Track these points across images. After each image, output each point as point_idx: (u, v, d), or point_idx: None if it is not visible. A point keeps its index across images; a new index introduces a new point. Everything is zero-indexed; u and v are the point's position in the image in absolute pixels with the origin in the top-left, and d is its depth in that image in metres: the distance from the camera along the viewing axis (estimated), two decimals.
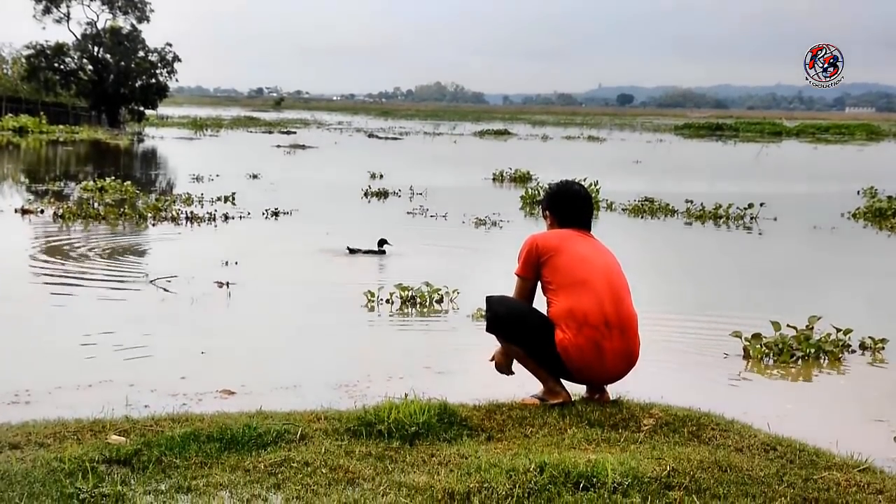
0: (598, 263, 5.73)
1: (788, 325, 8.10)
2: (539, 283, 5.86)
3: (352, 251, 12.83)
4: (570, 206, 6.00)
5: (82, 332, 8.10)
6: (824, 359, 7.95)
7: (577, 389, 5.87)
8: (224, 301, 9.75)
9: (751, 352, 7.87)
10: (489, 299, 5.96)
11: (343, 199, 20.86)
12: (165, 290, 10.07)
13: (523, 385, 6.18)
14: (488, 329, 5.92)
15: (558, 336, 5.63)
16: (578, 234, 5.88)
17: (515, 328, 5.77)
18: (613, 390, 5.92)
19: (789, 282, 12.05)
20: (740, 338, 7.94)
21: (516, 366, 5.97)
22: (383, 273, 11.46)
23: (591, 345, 5.58)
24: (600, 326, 5.59)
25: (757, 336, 7.93)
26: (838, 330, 8.15)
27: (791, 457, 4.82)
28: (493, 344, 6.48)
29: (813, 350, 7.95)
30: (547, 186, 6.41)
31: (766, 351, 7.88)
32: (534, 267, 5.81)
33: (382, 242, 12.91)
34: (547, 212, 6.10)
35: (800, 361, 7.87)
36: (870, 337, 8.27)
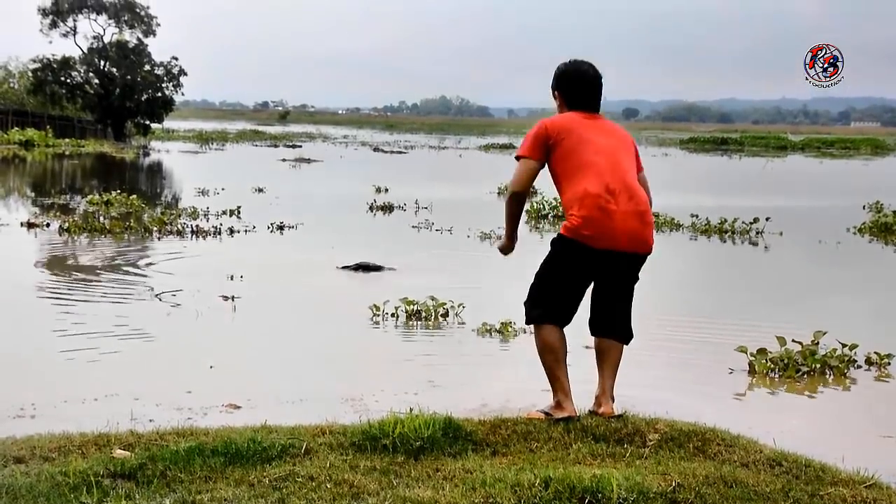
0: (602, 145, 5.73)
1: (794, 340, 8.08)
2: (552, 177, 5.86)
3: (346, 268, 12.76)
4: (579, 86, 5.96)
5: (87, 346, 8.11)
6: (830, 374, 7.93)
7: (582, 404, 5.86)
8: (229, 315, 9.76)
9: (756, 367, 7.85)
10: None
11: (348, 213, 20.88)
12: (169, 302, 10.09)
13: (528, 400, 6.18)
14: (528, 321, 5.89)
15: (565, 226, 5.71)
16: (586, 119, 5.86)
17: (538, 293, 5.80)
18: (619, 404, 5.90)
19: (794, 296, 12.03)
20: (745, 353, 7.93)
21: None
22: (388, 287, 11.45)
23: (596, 210, 5.60)
24: (602, 193, 5.61)
25: (762, 351, 7.92)
26: (844, 345, 8.13)
27: (797, 472, 4.82)
28: (497, 360, 6.52)
29: (818, 365, 7.93)
30: (558, 66, 6.27)
31: (772, 366, 7.87)
32: (542, 148, 5.77)
33: (362, 266, 12.82)
34: (556, 92, 6.06)
35: (805, 376, 7.85)
36: (875, 352, 8.25)
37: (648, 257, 5.96)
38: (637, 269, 5.94)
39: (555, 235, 5.88)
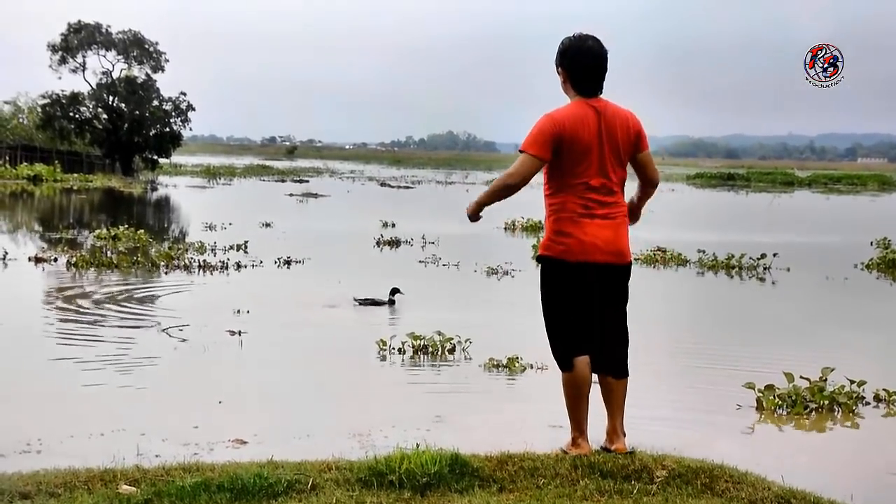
0: (597, 158, 5.63)
1: (801, 377, 8.06)
2: (545, 171, 5.78)
3: (360, 302, 12.77)
4: (582, 65, 5.77)
5: (94, 381, 8.12)
6: (838, 411, 7.90)
7: (594, 443, 5.83)
8: (236, 350, 9.75)
9: (764, 403, 7.82)
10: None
11: (355, 248, 20.90)
12: (176, 336, 10.09)
13: (535, 436, 6.16)
14: (561, 368, 5.85)
15: (542, 244, 5.80)
16: (591, 110, 5.70)
17: (550, 331, 5.83)
18: (628, 441, 5.87)
19: (802, 333, 12.00)
20: (753, 389, 7.90)
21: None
22: (395, 322, 11.46)
23: (569, 223, 5.64)
24: (578, 209, 5.63)
25: (770, 387, 7.89)
26: (852, 382, 8.11)
27: None
28: (504, 395, 6.48)
29: (826, 402, 7.90)
30: (562, 41, 5.94)
31: (780, 402, 7.84)
32: (552, 147, 5.60)
33: (395, 291, 12.86)
34: (559, 68, 5.92)
35: (813, 413, 7.82)
36: (884, 389, 8.22)
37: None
38: (621, 285, 5.83)
39: (538, 261, 5.93)
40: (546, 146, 5.61)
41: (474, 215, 6.04)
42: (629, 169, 5.87)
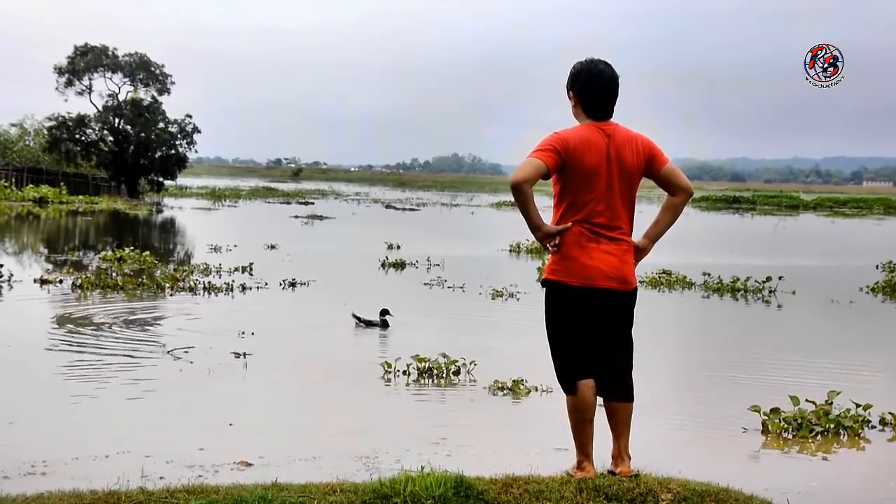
0: (605, 182, 5.61)
1: (807, 400, 8.04)
2: (553, 191, 5.77)
3: (360, 320, 12.76)
4: (593, 89, 5.76)
5: (99, 403, 8.12)
6: (844, 434, 7.88)
7: (600, 463, 5.82)
8: (241, 372, 9.75)
9: (769, 426, 7.80)
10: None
11: (360, 270, 20.91)
12: (181, 358, 10.09)
13: (539, 458, 6.15)
14: (566, 392, 5.84)
15: (546, 267, 5.76)
16: (600, 133, 5.68)
17: (554, 355, 5.80)
18: (633, 464, 5.86)
19: (808, 356, 11.96)
20: (759, 412, 7.89)
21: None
22: (400, 344, 11.44)
23: (574, 247, 5.61)
24: (585, 231, 5.60)
25: (776, 410, 7.87)
26: (858, 405, 8.09)
27: None
28: (509, 418, 6.46)
29: (832, 425, 7.88)
30: (574, 65, 5.88)
31: (785, 425, 7.82)
32: (557, 158, 5.55)
33: (384, 312, 12.82)
34: (571, 92, 5.89)
35: (819, 437, 7.80)
36: (889, 412, 8.20)
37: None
38: (625, 311, 5.78)
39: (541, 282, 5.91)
40: (548, 154, 5.56)
41: (545, 236, 5.72)
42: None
